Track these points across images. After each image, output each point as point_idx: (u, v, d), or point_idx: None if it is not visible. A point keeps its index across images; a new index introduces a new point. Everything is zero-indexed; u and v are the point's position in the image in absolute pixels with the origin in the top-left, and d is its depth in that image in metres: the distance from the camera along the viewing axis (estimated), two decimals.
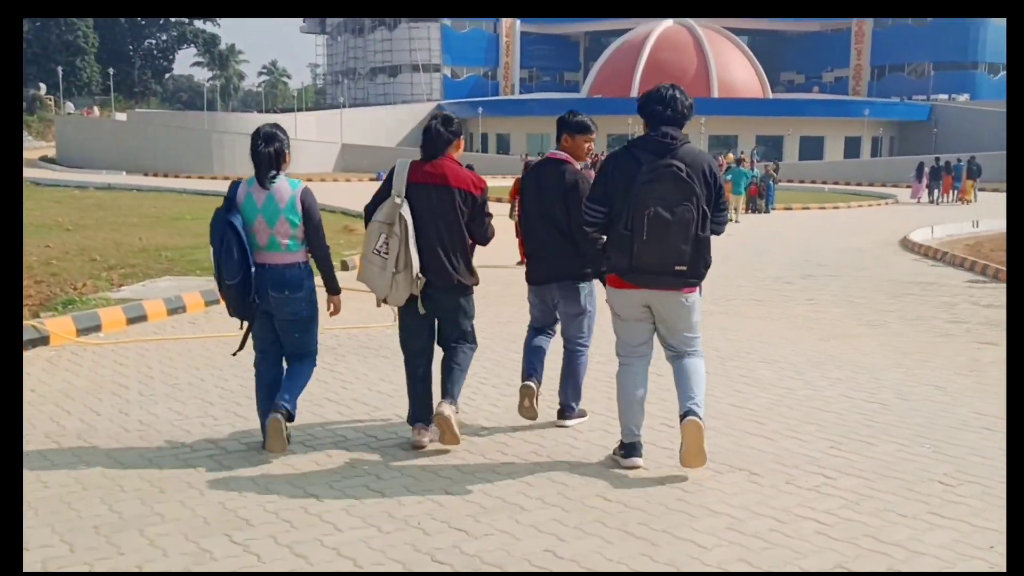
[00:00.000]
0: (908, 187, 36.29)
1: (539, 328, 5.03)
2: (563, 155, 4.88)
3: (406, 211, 4.36)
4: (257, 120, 56.76)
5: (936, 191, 32.86)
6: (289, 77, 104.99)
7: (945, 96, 64.73)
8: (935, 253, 15.55)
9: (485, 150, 62.98)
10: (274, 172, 4.37)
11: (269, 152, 4.34)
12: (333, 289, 4.60)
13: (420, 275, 4.40)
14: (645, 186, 3.99)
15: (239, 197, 4.35)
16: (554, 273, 4.80)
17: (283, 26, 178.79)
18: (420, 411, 4.61)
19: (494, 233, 4.73)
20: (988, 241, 18.81)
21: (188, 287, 9.38)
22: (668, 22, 65.92)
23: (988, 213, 23.80)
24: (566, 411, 4.98)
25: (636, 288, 4.13)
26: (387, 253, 4.34)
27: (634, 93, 60.34)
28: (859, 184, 42.76)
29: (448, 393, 4.51)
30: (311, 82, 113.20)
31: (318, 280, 4.54)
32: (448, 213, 4.45)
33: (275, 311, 4.42)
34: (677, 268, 4.00)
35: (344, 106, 59.72)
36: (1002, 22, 67.08)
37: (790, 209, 26.86)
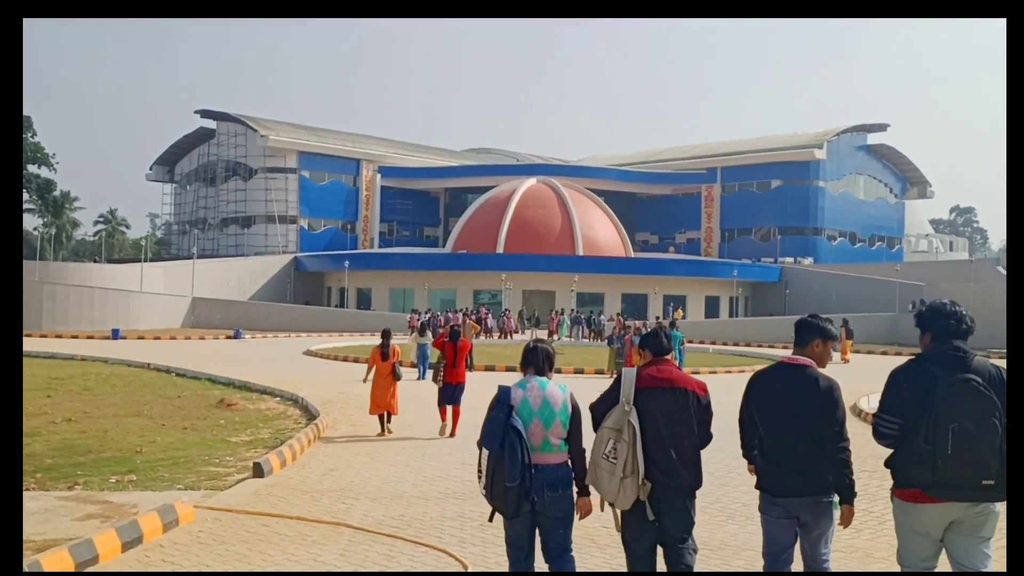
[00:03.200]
0: (785, 347, 36.59)
1: (782, 548, 4.55)
2: (806, 360, 4.63)
3: (634, 418, 4.52)
4: (96, 271, 51.87)
5: None
6: (128, 227, 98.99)
7: (791, 259, 67.87)
8: None
9: (343, 304, 60.04)
10: (543, 376, 4.81)
11: (547, 351, 4.90)
12: (584, 491, 4.72)
13: (646, 480, 4.48)
14: (947, 400, 4.02)
15: (514, 400, 4.66)
16: (809, 486, 4.47)
17: (124, 174, 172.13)
18: None
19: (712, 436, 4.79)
20: None
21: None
22: (532, 180, 66.70)
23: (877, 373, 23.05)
24: None
25: (940, 503, 4.08)
26: (615, 458, 4.47)
27: (500, 248, 59.83)
28: (735, 344, 42.73)
29: None
30: (151, 232, 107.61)
31: None
32: (682, 414, 4.61)
33: (547, 510, 4.62)
34: (984, 483, 3.98)
35: (194, 257, 55.63)
36: (839, 194, 72.29)
37: (698, 373, 25.35)
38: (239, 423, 13.44)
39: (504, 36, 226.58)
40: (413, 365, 23.81)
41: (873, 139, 75.74)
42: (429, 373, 22.46)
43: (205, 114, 72.75)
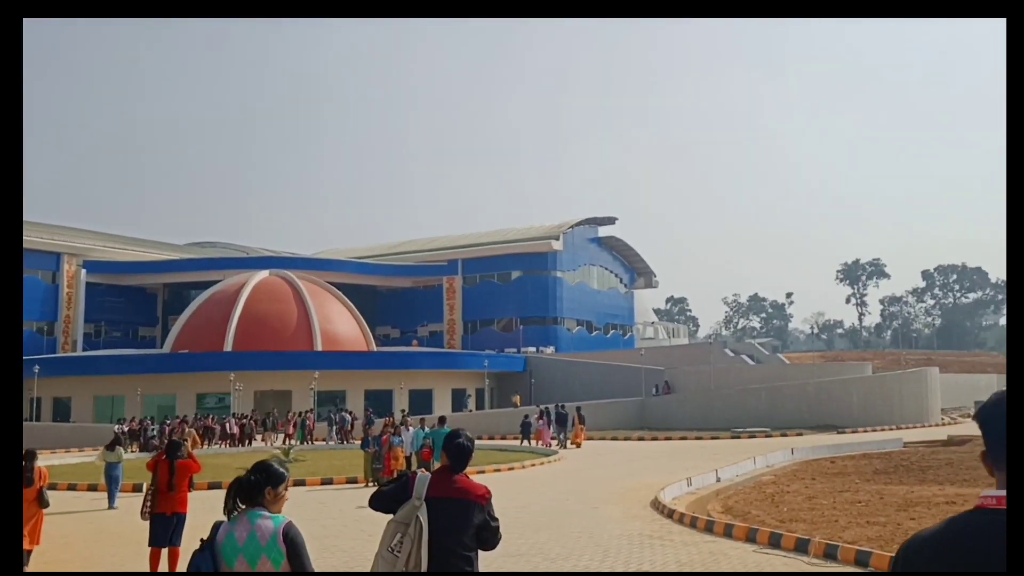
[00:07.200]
0: (515, 438, 37.39)
1: None
2: None
3: (423, 514, 4.56)
4: None
5: (563, 435, 34.91)
6: None
7: (533, 349, 67.82)
8: (744, 532, 11.73)
9: (38, 418, 51.00)
10: (254, 507, 4.28)
11: (247, 482, 4.31)
12: None
13: None
14: None
15: (219, 537, 4.27)
16: None
17: None
18: None
19: (501, 537, 4.83)
20: (735, 495, 16.08)
21: None
22: (264, 273, 61.83)
23: (627, 460, 24.48)
24: None
25: None
26: (399, 552, 4.51)
27: (228, 347, 54.09)
28: (491, 437, 40.37)
29: None
30: None
31: None
32: (464, 525, 4.62)
33: None
34: None
35: None
36: (575, 284, 73.88)
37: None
38: None
39: (232, 125, 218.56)
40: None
41: (603, 232, 78.95)
42: (118, 500, 17.69)
43: None
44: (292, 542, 4.20)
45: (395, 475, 19.08)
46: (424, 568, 4.45)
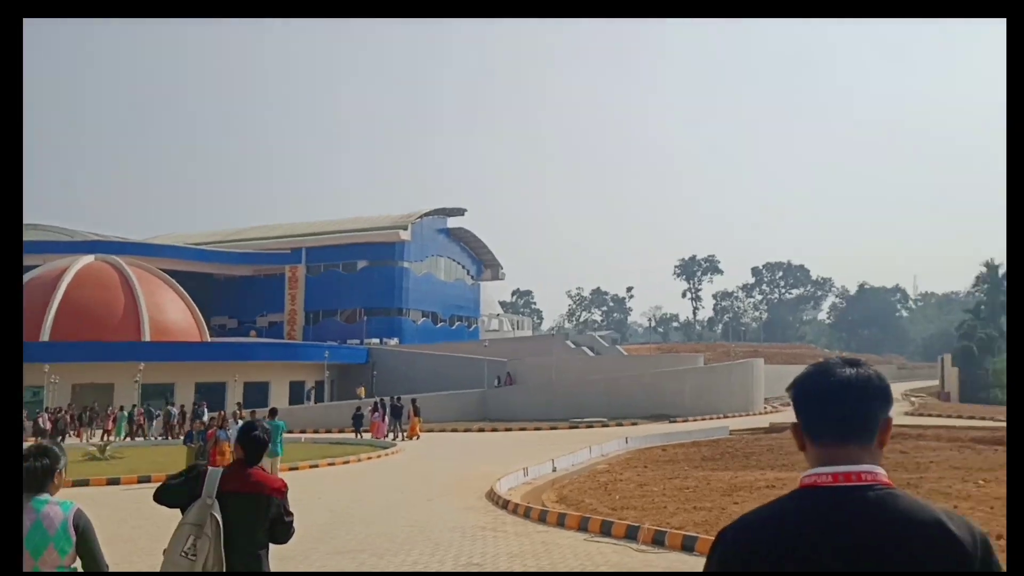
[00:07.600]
0: (352, 431, 36.53)
1: None
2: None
3: (217, 512, 4.42)
4: None
5: (398, 426, 34.80)
6: None
7: (377, 340, 66.86)
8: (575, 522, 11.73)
9: None
10: (38, 494, 3.91)
11: (36, 468, 3.93)
12: None
13: None
14: None
15: None
16: None
17: None
18: None
19: (294, 532, 4.72)
20: (570, 484, 16.19)
21: None
22: (88, 258, 57.89)
23: (465, 451, 24.54)
24: None
25: None
26: (195, 555, 4.34)
27: (45, 336, 50.38)
28: (328, 431, 39.41)
29: None
30: None
31: None
32: (259, 519, 4.51)
33: None
34: None
35: None
36: (422, 275, 73.36)
37: (296, 468, 21.41)
38: None
39: (63, 97, 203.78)
40: None
41: (452, 223, 78.77)
42: None
43: None
44: (83, 530, 3.98)
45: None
46: (224, 567, 4.38)
